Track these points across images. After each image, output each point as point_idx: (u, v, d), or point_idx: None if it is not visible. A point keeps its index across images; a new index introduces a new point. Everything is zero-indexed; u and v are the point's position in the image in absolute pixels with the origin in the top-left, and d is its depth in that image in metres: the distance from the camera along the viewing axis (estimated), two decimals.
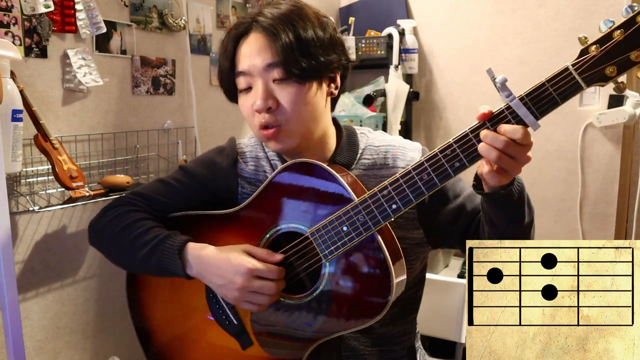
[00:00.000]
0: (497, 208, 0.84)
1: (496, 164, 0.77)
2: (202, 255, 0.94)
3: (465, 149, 0.79)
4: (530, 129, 0.76)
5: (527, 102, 0.75)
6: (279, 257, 0.92)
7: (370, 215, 0.84)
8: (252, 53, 0.92)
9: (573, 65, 0.73)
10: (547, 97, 0.74)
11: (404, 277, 0.90)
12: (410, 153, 1.00)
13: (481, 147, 0.77)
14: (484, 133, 0.77)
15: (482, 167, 0.80)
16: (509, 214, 0.84)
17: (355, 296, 0.88)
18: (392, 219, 0.84)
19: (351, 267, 0.88)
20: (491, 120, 0.77)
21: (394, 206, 0.83)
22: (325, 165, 0.90)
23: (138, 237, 0.99)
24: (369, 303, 0.87)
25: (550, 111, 0.75)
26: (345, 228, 0.86)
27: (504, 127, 0.76)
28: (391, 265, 0.84)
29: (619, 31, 0.71)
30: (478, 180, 0.84)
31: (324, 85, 0.96)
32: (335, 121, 1.05)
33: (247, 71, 0.93)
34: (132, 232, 0.99)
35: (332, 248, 0.87)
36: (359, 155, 1.01)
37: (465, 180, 1.00)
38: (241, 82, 0.95)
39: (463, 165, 0.79)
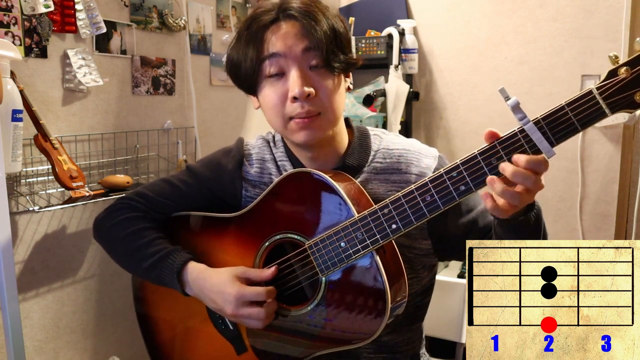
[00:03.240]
0: (512, 233, 0.79)
1: (515, 204, 0.71)
2: (199, 278, 0.94)
3: (472, 172, 0.74)
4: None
5: (542, 127, 0.69)
6: (269, 272, 0.91)
7: (369, 233, 0.82)
8: (288, 37, 0.89)
9: (598, 88, 0.66)
10: (565, 122, 0.68)
11: (405, 297, 0.88)
12: (425, 160, 0.96)
13: (495, 187, 0.71)
14: (502, 167, 0.71)
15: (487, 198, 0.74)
16: (524, 239, 0.78)
17: (349, 315, 0.86)
18: (392, 239, 0.82)
19: (347, 284, 0.86)
20: (502, 144, 0.72)
21: (393, 226, 0.80)
22: (328, 178, 0.87)
23: (142, 248, 0.99)
24: (362, 323, 0.85)
25: (567, 138, 0.69)
26: (343, 244, 0.84)
27: (522, 158, 0.70)
28: (388, 287, 0.82)
29: None
30: None
31: (344, 81, 0.97)
32: (347, 121, 1.03)
33: (282, 52, 0.89)
34: (137, 241, 1.00)
35: (329, 263, 0.86)
36: (370, 157, 0.98)
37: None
38: (271, 66, 0.90)
39: (469, 190, 0.75)
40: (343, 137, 0.99)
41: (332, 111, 0.92)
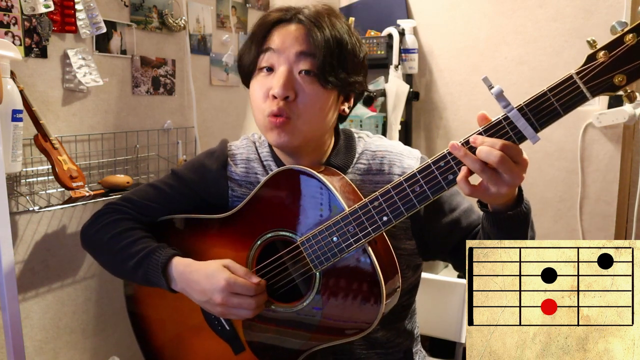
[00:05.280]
0: (499, 229, 0.80)
1: (476, 172, 0.73)
2: (186, 271, 0.93)
3: (459, 161, 0.75)
4: (529, 142, 0.72)
5: (526, 113, 0.70)
6: (256, 280, 0.89)
7: (360, 226, 0.82)
8: (289, 37, 0.91)
9: (578, 73, 0.68)
10: (548, 107, 0.69)
11: (398, 289, 0.88)
12: (407, 160, 0.98)
13: (458, 151, 0.73)
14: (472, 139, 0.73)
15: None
16: (510, 237, 0.80)
17: (344, 309, 0.87)
18: (383, 231, 0.82)
19: (341, 278, 0.87)
20: (488, 132, 0.73)
21: (384, 218, 0.81)
22: (317, 174, 0.88)
23: (126, 248, 0.99)
24: (359, 313, 0.86)
25: (551, 123, 0.70)
26: (335, 238, 0.84)
27: (487, 140, 0.72)
28: (382, 279, 0.83)
29: (631, 35, 0.65)
30: None
31: (339, 100, 0.96)
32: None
33: (276, 49, 0.90)
34: (121, 241, 1.00)
35: (322, 258, 0.86)
36: (355, 159, 0.99)
37: None
38: (265, 59, 0.91)
39: (456, 179, 0.76)
40: (329, 144, 1.00)
41: (305, 121, 0.91)
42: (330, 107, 0.93)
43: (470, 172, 0.74)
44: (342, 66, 0.91)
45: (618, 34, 0.66)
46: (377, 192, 0.82)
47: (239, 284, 0.88)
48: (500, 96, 0.71)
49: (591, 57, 0.68)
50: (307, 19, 0.91)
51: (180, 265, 0.94)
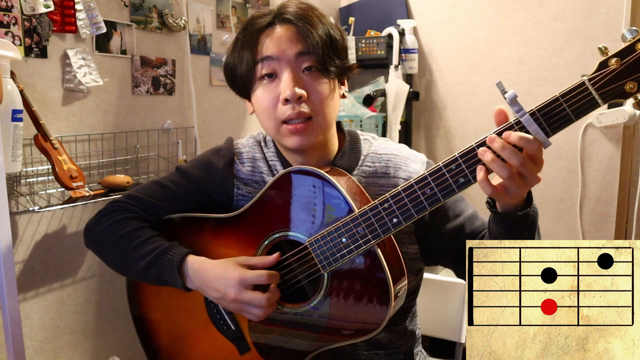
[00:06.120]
0: (506, 230, 0.81)
1: (503, 179, 0.73)
2: (201, 269, 0.93)
3: (471, 164, 0.75)
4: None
5: (538, 118, 0.71)
6: (271, 258, 0.90)
7: (370, 228, 0.83)
8: (282, 41, 0.91)
9: (590, 79, 0.68)
10: (560, 113, 0.70)
11: (405, 291, 0.89)
12: (413, 164, 0.98)
13: (485, 156, 0.73)
14: (491, 137, 0.73)
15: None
16: (516, 239, 0.79)
17: (352, 310, 0.87)
18: (393, 233, 0.83)
19: (349, 279, 0.87)
20: (500, 135, 0.73)
21: (394, 220, 0.81)
22: (326, 174, 0.88)
23: (137, 248, 0.98)
24: (367, 314, 0.86)
25: (562, 128, 0.71)
26: (344, 240, 0.85)
27: (513, 135, 0.71)
28: (390, 281, 0.83)
29: None
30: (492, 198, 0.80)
31: (338, 87, 0.98)
32: (339, 125, 1.04)
33: (274, 56, 0.90)
34: (131, 241, 0.99)
35: (331, 259, 0.86)
36: (360, 161, 0.99)
37: (476, 195, 0.98)
38: (264, 67, 0.91)
39: (468, 182, 0.76)
40: (334, 142, 1.01)
41: (324, 115, 0.92)
42: (336, 95, 0.96)
43: (487, 172, 0.75)
44: (336, 54, 0.93)
45: (629, 42, 0.67)
46: (387, 194, 0.82)
47: (251, 275, 0.88)
48: (513, 101, 0.71)
49: (603, 64, 0.68)
50: (294, 17, 0.92)
51: (196, 263, 0.95)
